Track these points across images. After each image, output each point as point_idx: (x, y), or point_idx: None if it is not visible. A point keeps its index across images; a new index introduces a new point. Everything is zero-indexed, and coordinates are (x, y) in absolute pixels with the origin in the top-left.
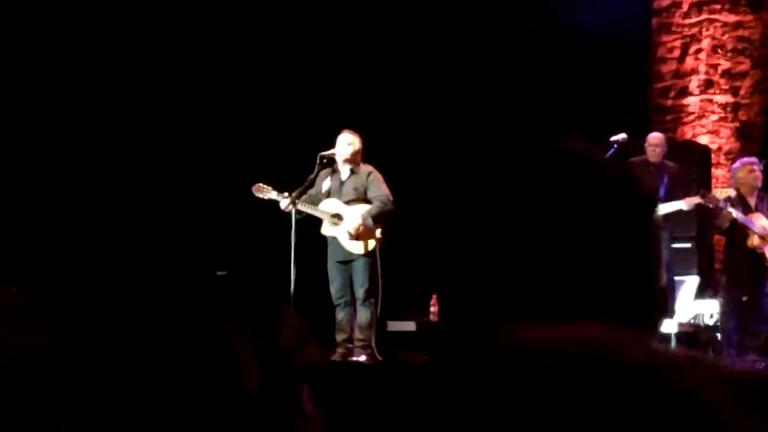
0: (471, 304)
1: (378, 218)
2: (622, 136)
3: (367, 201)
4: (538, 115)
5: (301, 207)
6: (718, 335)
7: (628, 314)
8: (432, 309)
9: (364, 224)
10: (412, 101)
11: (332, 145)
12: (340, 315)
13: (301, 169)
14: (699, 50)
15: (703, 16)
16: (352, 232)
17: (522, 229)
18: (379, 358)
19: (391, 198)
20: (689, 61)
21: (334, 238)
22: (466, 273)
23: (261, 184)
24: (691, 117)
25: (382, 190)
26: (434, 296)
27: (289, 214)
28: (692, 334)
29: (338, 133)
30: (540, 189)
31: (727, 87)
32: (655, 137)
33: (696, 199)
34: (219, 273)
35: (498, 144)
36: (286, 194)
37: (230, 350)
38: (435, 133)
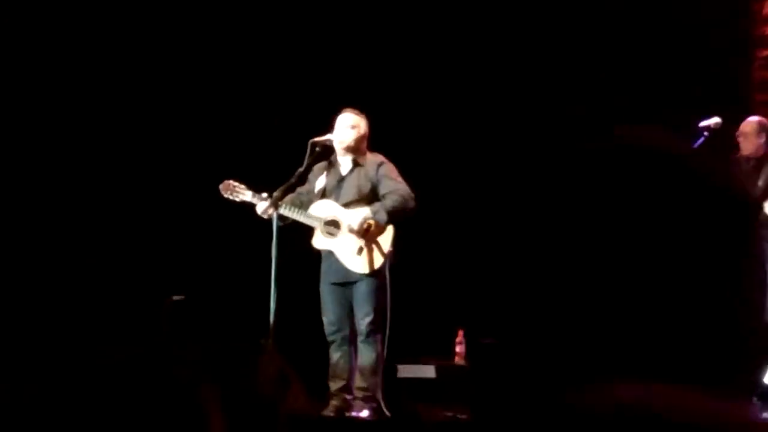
0: (513, 342)
1: (394, 216)
2: (714, 120)
3: (372, 203)
4: (604, 97)
5: (285, 211)
6: None
7: (723, 355)
8: (457, 349)
9: (371, 216)
10: (434, 79)
11: (328, 129)
12: (336, 355)
13: (285, 162)
14: None
15: None
16: (356, 228)
17: (583, 243)
18: (387, 413)
19: (411, 193)
20: None
21: (330, 253)
22: (508, 300)
23: (231, 182)
24: None
25: (398, 183)
26: (460, 333)
27: (270, 220)
28: None
29: (337, 113)
30: (606, 194)
31: None
32: (751, 123)
33: None
34: (174, 298)
35: (549, 135)
36: (264, 195)
37: (194, 401)
38: (463, 122)
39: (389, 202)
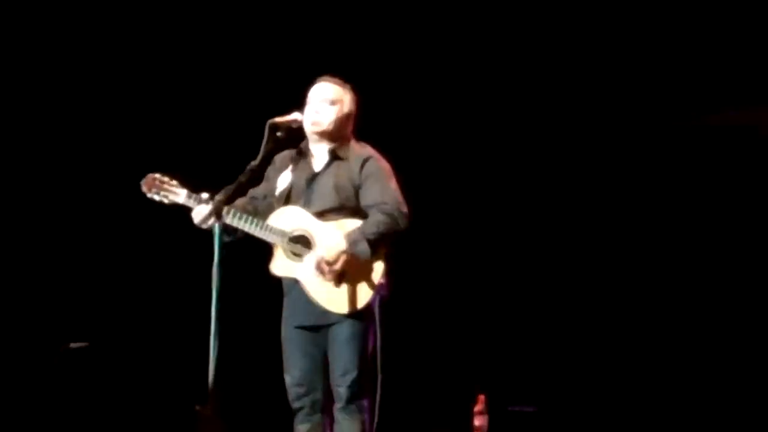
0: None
1: (380, 244)
2: None
3: (357, 213)
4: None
5: (232, 220)
6: None
7: None
8: (477, 422)
9: (349, 252)
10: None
11: (298, 106)
12: (303, 429)
13: (233, 152)
14: None
15: None
16: (323, 266)
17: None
18: None
19: (403, 208)
20: None
21: (295, 283)
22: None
23: (157, 177)
24: None
25: (386, 191)
26: (481, 399)
27: (211, 233)
28: None
29: (310, 84)
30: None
31: None
32: None
33: None
34: (73, 345)
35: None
36: (205, 196)
37: None
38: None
39: (372, 226)
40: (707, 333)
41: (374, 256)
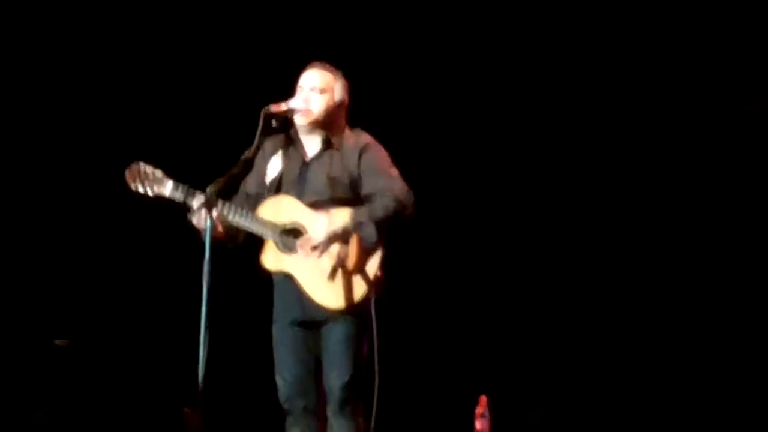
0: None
1: (386, 230)
2: None
3: (352, 205)
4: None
5: (224, 212)
6: None
7: None
8: (479, 425)
9: (351, 232)
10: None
11: (290, 93)
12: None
13: (223, 143)
14: None
15: None
16: (320, 240)
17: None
18: None
19: (411, 195)
20: None
21: (287, 278)
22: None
23: (142, 166)
24: None
25: (390, 178)
26: (483, 401)
27: (200, 228)
28: None
29: (300, 71)
30: None
31: None
32: None
33: None
34: (57, 342)
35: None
36: (193, 190)
37: None
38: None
39: (380, 209)
40: (722, 334)
41: (371, 249)
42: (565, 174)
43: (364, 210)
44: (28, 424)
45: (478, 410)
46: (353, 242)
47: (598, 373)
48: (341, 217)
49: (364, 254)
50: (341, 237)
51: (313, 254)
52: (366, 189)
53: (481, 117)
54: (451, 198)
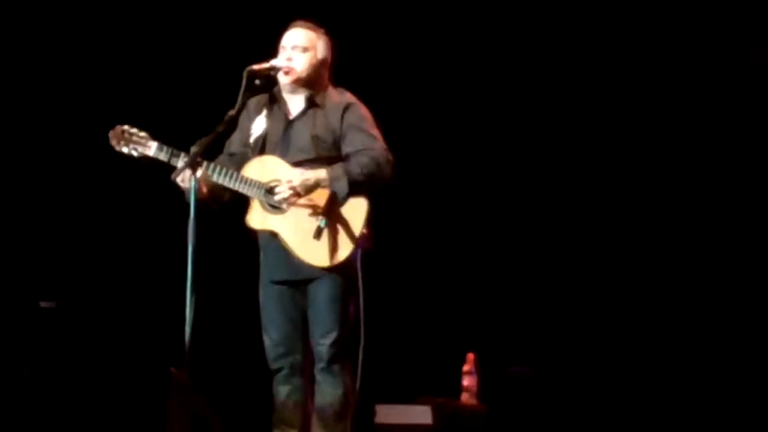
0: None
1: (361, 188)
2: None
3: (336, 163)
4: None
5: (208, 172)
6: None
7: None
8: (465, 382)
9: (326, 184)
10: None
11: (273, 52)
12: (283, 392)
13: (210, 106)
14: None
15: None
16: (297, 185)
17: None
18: None
19: (390, 156)
20: None
21: (273, 237)
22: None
23: (126, 128)
24: None
25: (371, 138)
26: (470, 358)
27: (185, 189)
28: None
29: (282, 30)
30: None
31: None
32: None
33: None
34: (43, 305)
35: None
36: (178, 151)
37: None
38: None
39: (356, 167)
40: (709, 302)
41: (357, 205)
42: (555, 132)
43: (340, 166)
44: (14, 380)
45: (466, 367)
46: (329, 198)
47: (586, 329)
48: (320, 171)
49: (351, 213)
50: (314, 185)
51: (287, 201)
52: (346, 148)
53: (467, 72)
54: (438, 154)
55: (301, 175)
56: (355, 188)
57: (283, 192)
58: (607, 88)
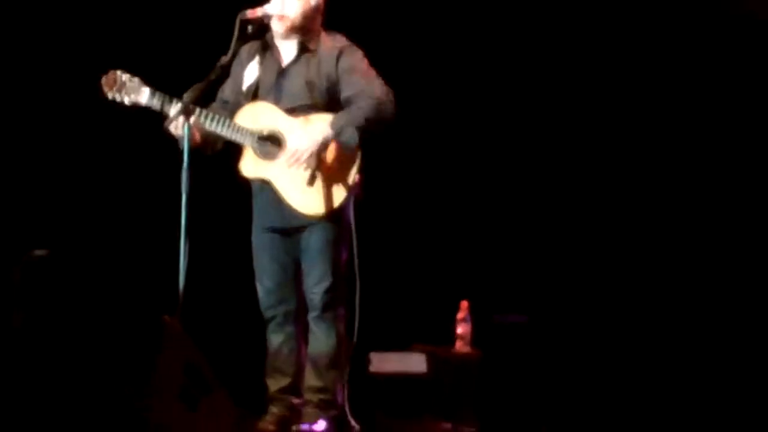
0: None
1: (367, 133)
2: None
3: (330, 110)
4: None
5: (201, 120)
6: None
7: None
8: (460, 330)
9: (333, 141)
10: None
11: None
12: (277, 340)
13: (203, 53)
14: None
15: None
16: (301, 157)
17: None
18: (354, 425)
19: (391, 95)
20: None
21: (266, 185)
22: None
23: (119, 74)
24: None
25: (370, 79)
26: (464, 306)
27: (178, 136)
28: None
29: None
30: None
31: None
32: None
33: None
34: (36, 253)
35: None
36: (170, 98)
37: None
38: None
39: (359, 112)
40: (710, 263)
41: (348, 152)
42: (552, 89)
43: (343, 115)
44: (6, 326)
45: (460, 315)
46: (332, 148)
47: (582, 277)
48: (320, 124)
49: (344, 159)
50: (323, 147)
51: (298, 166)
52: (345, 92)
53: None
54: (433, 99)
55: (310, 138)
56: (364, 134)
57: (290, 161)
58: (605, 71)
